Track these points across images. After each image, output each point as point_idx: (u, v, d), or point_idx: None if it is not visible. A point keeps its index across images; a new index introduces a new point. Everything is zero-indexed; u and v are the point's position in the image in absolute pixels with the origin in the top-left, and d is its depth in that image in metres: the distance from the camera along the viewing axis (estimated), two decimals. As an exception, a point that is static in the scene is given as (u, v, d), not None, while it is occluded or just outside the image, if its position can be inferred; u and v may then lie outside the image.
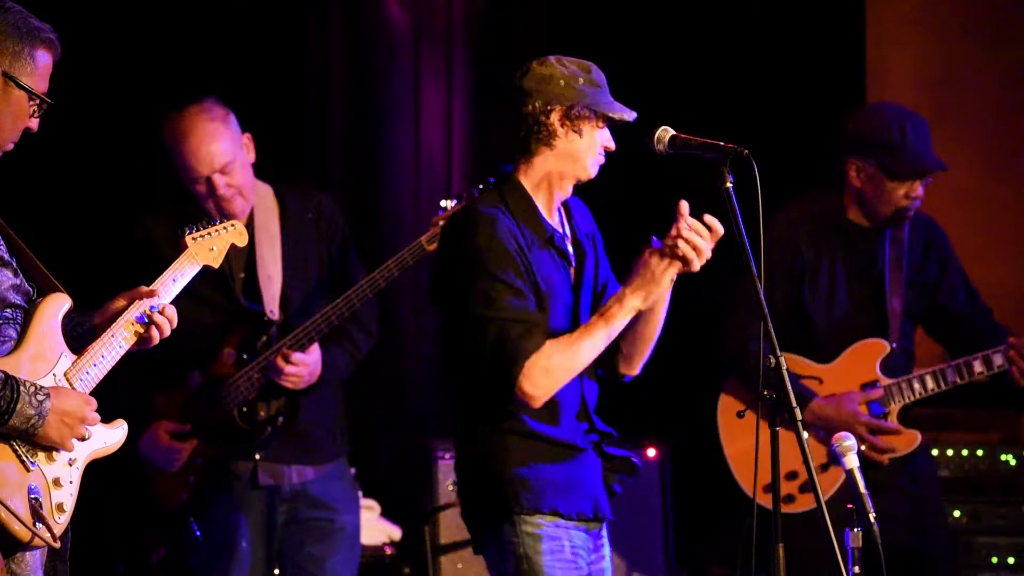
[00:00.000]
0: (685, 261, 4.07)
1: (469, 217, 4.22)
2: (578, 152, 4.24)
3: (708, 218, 4.05)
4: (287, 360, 5.11)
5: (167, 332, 3.72)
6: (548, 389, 4.09)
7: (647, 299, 4.14)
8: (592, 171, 4.27)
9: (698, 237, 4.04)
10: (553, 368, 4.08)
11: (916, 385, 5.33)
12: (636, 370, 4.39)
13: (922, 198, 5.37)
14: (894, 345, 5.39)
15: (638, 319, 4.22)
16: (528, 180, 4.28)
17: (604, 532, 4.33)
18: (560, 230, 4.32)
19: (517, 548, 4.13)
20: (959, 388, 5.35)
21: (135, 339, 3.69)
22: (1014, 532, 6.16)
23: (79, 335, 3.68)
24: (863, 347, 5.40)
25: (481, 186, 4.97)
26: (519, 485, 4.14)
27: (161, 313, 3.70)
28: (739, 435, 5.44)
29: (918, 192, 5.35)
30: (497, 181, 4.34)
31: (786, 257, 5.46)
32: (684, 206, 4.07)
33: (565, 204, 4.38)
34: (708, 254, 4.07)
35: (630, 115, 4.24)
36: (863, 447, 5.23)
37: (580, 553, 4.21)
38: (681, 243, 4.05)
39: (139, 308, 3.69)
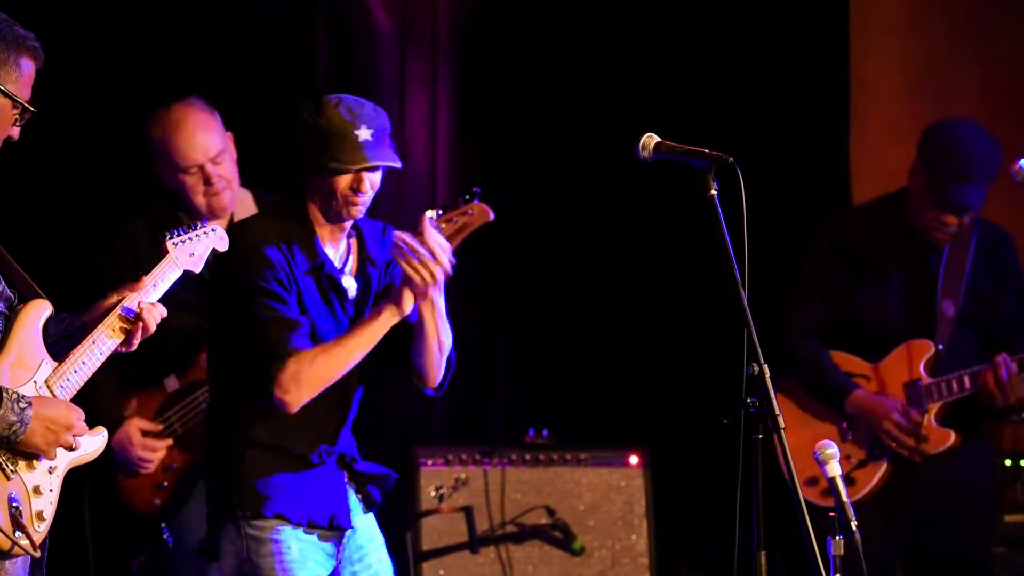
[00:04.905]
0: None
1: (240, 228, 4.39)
2: (324, 198, 4.35)
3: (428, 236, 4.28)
4: None
5: (152, 327, 3.71)
6: (299, 396, 4.25)
7: (402, 312, 4.32)
8: (343, 214, 4.37)
9: (432, 263, 4.27)
10: (303, 377, 4.24)
11: (954, 384, 5.37)
12: (434, 384, 4.54)
13: (959, 228, 5.35)
14: (940, 347, 5.41)
15: (419, 336, 4.40)
16: (307, 211, 4.40)
17: (359, 542, 4.48)
18: (339, 260, 4.43)
19: (243, 552, 4.32)
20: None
21: (122, 335, 3.68)
22: (996, 542, 6.16)
23: (70, 334, 3.67)
24: (909, 347, 5.44)
25: (467, 196, 5.01)
26: (246, 490, 4.31)
27: (146, 312, 3.69)
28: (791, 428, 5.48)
29: (949, 221, 5.34)
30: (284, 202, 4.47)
31: (842, 256, 5.49)
32: (425, 220, 4.33)
33: (360, 234, 4.48)
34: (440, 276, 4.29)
35: (364, 163, 4.30)
36: (893, 444, 5.31)
37: (314, 557, 4.36)
38: (414, 266, 4.28)
39: (125, 303, 3.69)
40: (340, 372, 4.30)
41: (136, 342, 3.71)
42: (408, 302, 4.33)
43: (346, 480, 4.47)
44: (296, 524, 4.33)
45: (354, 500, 4.48)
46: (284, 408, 4.25)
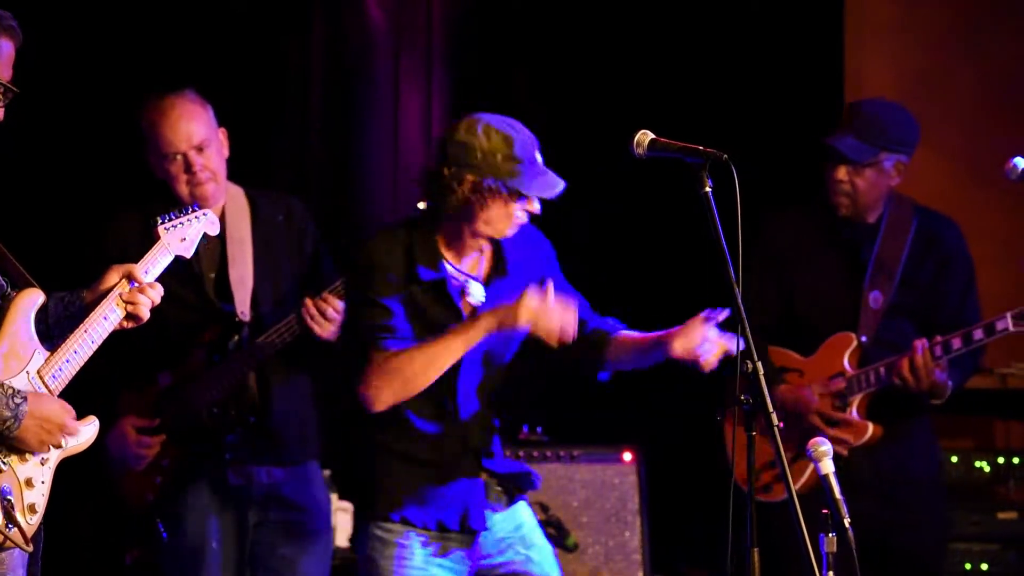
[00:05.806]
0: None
1: (364, 242, 4.41)
2: (488, 219, 4.33)
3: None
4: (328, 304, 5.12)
5: (148, 306, 3.71)
6: (380, 391, 4.24)
7: (499, 327, 4.27)
8: (504, 233, 4.38)
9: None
10: (385, 371, 4.23)
11: (872, 376, 5.35)
12: (610, 372, 4.56)
13: (851, 186, 5.34)
14: (863, 339, 5.39)
15: (643, 351, 4.43)
16: (439, 228, 4.38)
17: (499, 535, 4.47)
18: (470, 274, 4.42)
19: (367, 550, 4.39)
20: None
21: (123, 313, 3.68)
22: (988, 539, 6.17)
23: (71, 314, 3.67)
24: (835, 340, 5.43)
25: None
26: (376, 493, 4.38)
27: (144, 293, 3.70)
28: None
29: (837, 176, 5.36)
30: (413, 217, 4.45)
31: (776, 253, 5.49)
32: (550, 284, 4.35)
33: (497, 242, 4.45)
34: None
35: (549, 192, 4.33)
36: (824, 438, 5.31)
37: (439, 563, 4.39)
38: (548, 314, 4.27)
39: (127, 285, 3.69)
40: (428, 373, 4.25)
41: (144, 317, 3.71)
42: (508, 320, 4.27)
43: (483, 481, 4.46)
44: (423, 529, 4.36)
45: (493, 497, 4.48)
46: (367, 404, 4.25)
